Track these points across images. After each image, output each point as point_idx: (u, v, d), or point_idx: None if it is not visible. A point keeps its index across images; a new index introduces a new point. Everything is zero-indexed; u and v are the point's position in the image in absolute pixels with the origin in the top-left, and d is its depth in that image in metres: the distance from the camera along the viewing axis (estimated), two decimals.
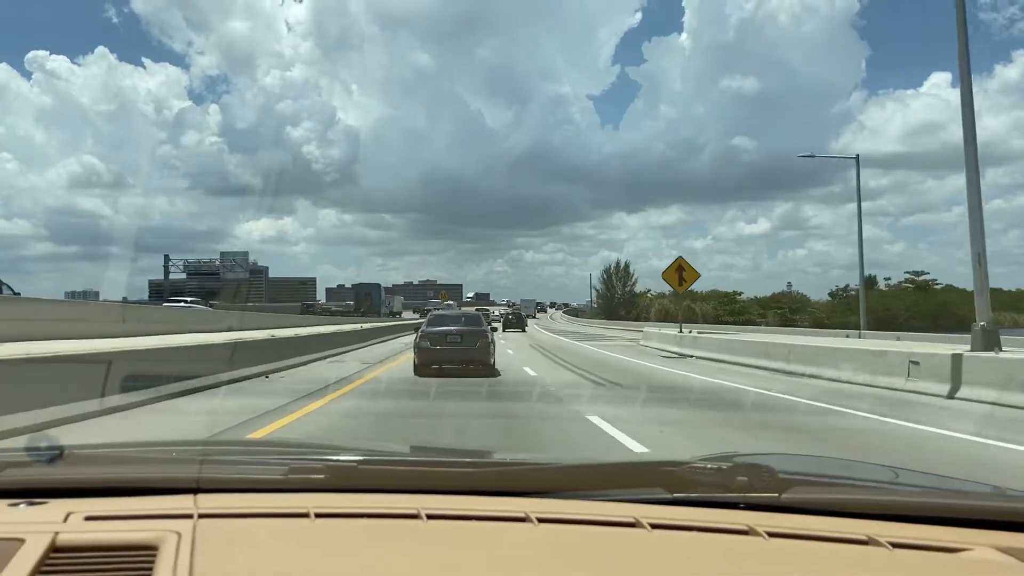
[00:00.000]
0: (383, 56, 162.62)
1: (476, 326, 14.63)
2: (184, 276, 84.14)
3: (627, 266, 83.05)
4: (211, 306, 37.30)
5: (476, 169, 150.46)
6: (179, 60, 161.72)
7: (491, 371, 13.62)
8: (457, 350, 13.79)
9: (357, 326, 30.34)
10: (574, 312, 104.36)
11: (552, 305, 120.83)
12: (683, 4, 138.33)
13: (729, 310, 65.05)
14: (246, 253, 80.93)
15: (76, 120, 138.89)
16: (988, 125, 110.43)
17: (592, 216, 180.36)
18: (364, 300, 61.18)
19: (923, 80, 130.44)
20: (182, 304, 39.77)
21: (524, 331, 46.99)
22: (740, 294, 72.24)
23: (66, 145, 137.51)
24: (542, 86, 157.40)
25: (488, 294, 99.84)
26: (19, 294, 26.78)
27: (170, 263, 78.61)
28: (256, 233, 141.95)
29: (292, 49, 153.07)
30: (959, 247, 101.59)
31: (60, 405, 7.23)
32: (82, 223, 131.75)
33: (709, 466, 1.26)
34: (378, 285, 64.57)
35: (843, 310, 50.85)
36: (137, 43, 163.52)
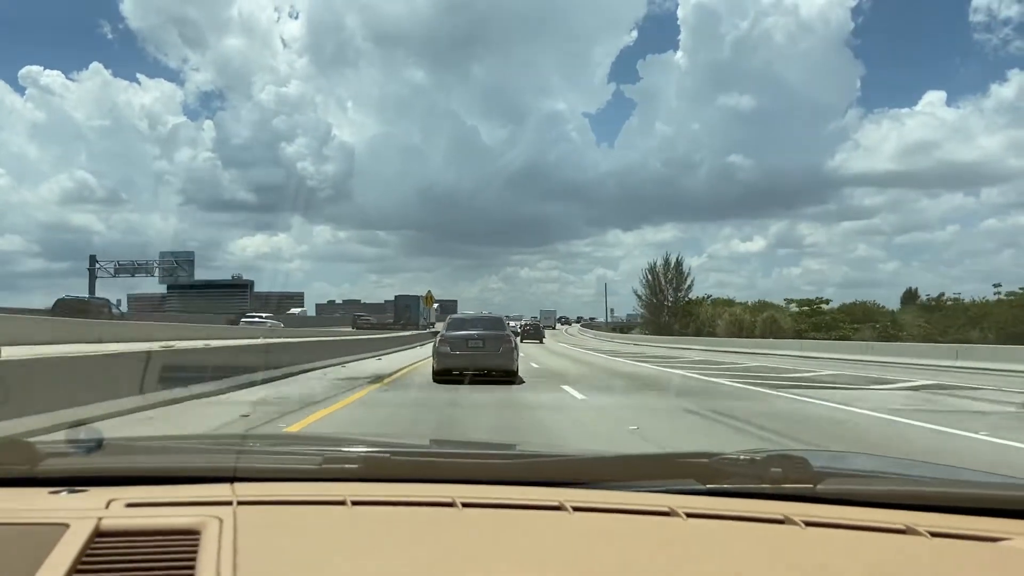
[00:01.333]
0: (379, 73, 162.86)
1: (499, 330, 14.42)
2: (164, 289, 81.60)
3: (679, 264, 61.19)
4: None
5: (472, 186, 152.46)
6: (174, 76, 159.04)
7: (514, 379, 13.54)
8: (479, 355, 13.74)
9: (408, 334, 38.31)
10: (590, 326, 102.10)
11: (578, 320, 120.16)
12: (678, 23, 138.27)
13: (813, 323, 52.13)
14: (191, 253, 71.12)
15: (70, 135, 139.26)
16: (984, 144, 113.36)
17: (588, 233, 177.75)
18: (404, 312, 62.35)
19: (917, 99, 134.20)
20: (257, 320, 47.74)
21: (542, 342, 48.10)
22: (826, 302, 51.44)
23: (59, 160, 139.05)
24: (538, 103, 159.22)
25: (455, 301, 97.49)
26: (125, 313, 34.18)
27: (97, 266, 67.34)
28: (250, 249, 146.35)
29: (288, 66, 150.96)
30: (952, 265, 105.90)
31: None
32: (74, 239, 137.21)
33: (743, 457, 1.28)
34: (417, 298, 64.02)
35: (960, 324, 42.43)
36: (132, 59, 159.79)
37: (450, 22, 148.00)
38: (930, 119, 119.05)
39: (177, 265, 72.33)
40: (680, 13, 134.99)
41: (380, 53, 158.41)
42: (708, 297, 66.03)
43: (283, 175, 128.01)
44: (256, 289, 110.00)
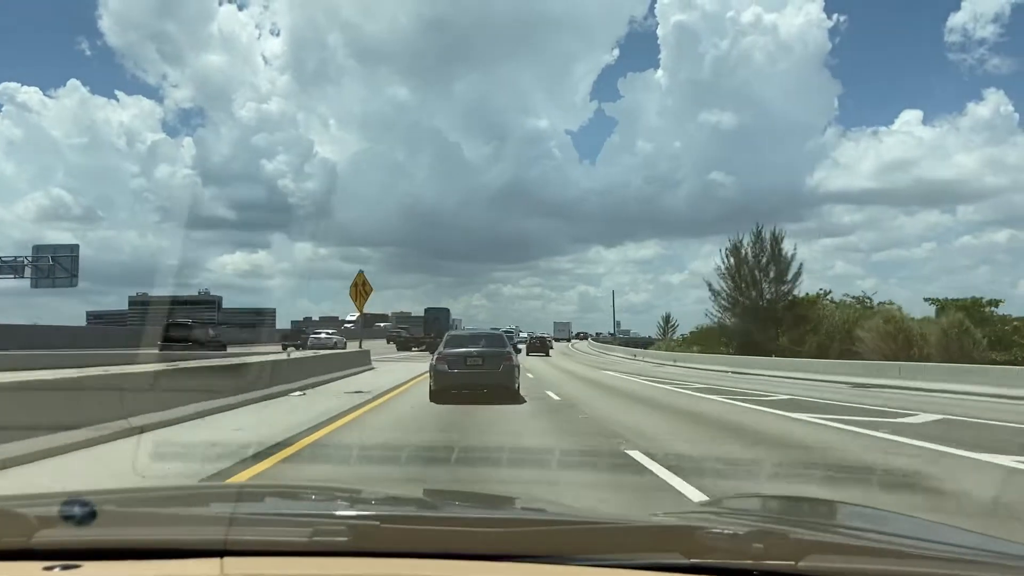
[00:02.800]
0: (361, 90, 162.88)
1: (499, 347, 14.76)
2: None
3: (777, 240, 39.07)
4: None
5: (454, 203, 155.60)
6: (153, 93, 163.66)
7: (515, 397, 13.88)
8: (478, 374, 13.87)
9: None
10: (605, 340, 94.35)
11: (598, 335, 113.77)
12: (658, 42, 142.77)
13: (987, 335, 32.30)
14: (75, 246, 52.70)
15: (47, 153, 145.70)
16: (961, 162, 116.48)
17: (570, 250, 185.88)
18: (433, 324, 56.34)
19: (894, 118, 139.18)
20: (324, 336, 52.88)
21: (548, 355, 48.58)
22: (996, 304, 37.08)
23: (36, 178, 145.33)
24: (520, 121, 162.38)
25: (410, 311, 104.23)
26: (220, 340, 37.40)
27: None
28: (230, 267, 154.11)
29: (269, 83, 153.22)
30: (929, 282, 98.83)
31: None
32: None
33: (726, 531, 1.38)
34: (447, 310, 61.23)
35: None
36: (110, 76, 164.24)
37: (433, 40, 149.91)
38: (907, 137, 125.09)
39: (54, 263, 51.16)
40: (660, 32, 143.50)
41: (363, 70, 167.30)
42: (826, 294, 42.87)
43: (264, 192, 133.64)
44: (225, 305, 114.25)
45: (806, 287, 40.19)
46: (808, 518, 1.77)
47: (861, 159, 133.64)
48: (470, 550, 1.28)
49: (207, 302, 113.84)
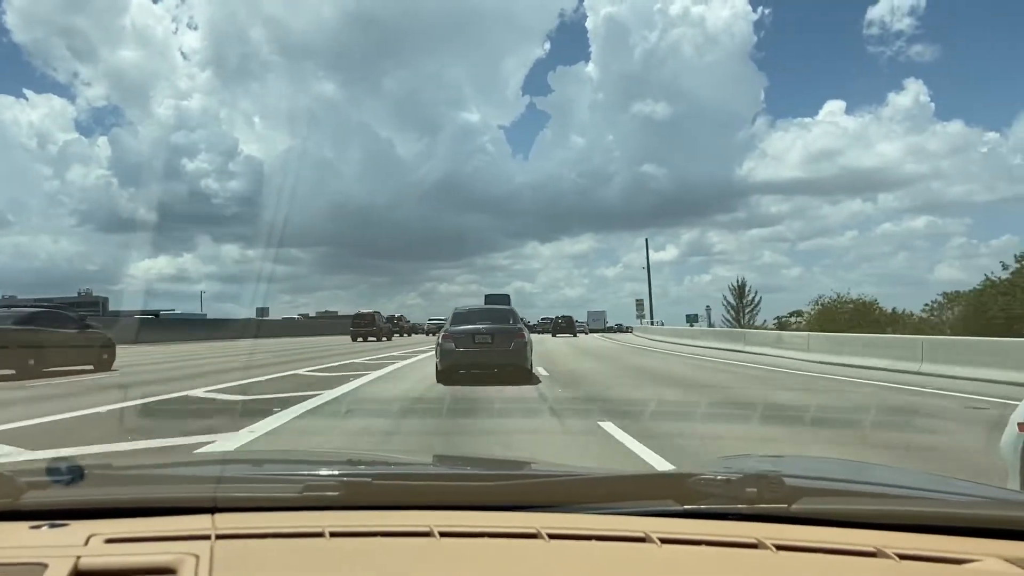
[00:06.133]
0: (287, 86, 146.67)
1: (510, 324, 14.47)
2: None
3: None
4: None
5: (387, 200, 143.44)
6: (64, 91, 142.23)
7: (529, 377, 13.80)
8: (487, 352, 13.72)
9: None
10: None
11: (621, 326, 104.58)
12: (588, 35, 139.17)
13: None
14: None
15: None
16: (883, 151, 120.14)
17: (506, 246, 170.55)
18: None
19: (818, 108, 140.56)
20: (439, 320, 59.16)
21: (576, 335, 57.08)
22: None
23: None
24: (452, 116, 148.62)
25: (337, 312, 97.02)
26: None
27: None
28: (154, 271, 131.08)
29: (188, 79, 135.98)
30: (851, 269, 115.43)
31: None
32: None
33: (719, 477, 1.38)
34: (507, 295, 57.50)
35: None
36: (18, 74, 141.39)
37: (360, 34, 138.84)
38: (831, 127, 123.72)
39: None
40: (590, 25, 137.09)
41: (288, 66, 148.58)
42: None
43: (186, 193, 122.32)
44: (112, 307, 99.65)
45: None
46: (797, 469, 1.84)
47: (788, 150, 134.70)
48: (464, 502, 1.30)
49: (90, 303, 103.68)
